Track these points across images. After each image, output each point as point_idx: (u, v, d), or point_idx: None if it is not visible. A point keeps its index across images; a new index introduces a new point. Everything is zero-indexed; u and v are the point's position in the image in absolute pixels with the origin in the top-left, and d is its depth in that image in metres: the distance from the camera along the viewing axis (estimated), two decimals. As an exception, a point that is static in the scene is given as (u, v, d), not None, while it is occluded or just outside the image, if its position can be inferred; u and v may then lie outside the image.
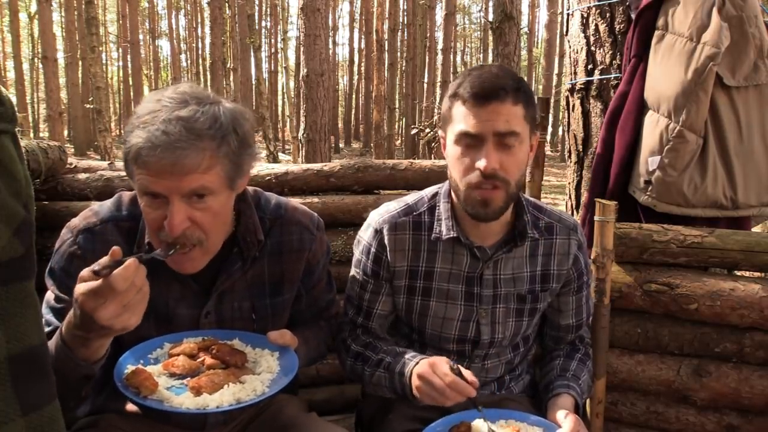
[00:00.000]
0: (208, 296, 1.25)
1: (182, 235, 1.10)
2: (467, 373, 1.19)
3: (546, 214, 1.44)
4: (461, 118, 1.26)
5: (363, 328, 1.46)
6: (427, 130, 13.46)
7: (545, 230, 1.42)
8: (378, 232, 1.39)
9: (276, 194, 1.41)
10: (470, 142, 1.25)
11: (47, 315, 1.21)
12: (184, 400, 1.05)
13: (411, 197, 1.45)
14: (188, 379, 1.11)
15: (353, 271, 1.47)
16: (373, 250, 1.40)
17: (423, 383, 1.20)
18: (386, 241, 1.38)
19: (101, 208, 1.25)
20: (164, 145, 1.03)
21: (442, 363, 1.20)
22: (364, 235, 1.43)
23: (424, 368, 1.21)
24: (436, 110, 16.22)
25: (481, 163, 1.23)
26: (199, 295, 1.25)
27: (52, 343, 1.04)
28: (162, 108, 1.07)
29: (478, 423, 1.22)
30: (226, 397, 1.06)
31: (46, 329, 1.16)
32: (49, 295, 1.22)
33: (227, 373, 1.13)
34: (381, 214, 1.42)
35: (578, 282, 1.48)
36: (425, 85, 21.22)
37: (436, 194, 1.43)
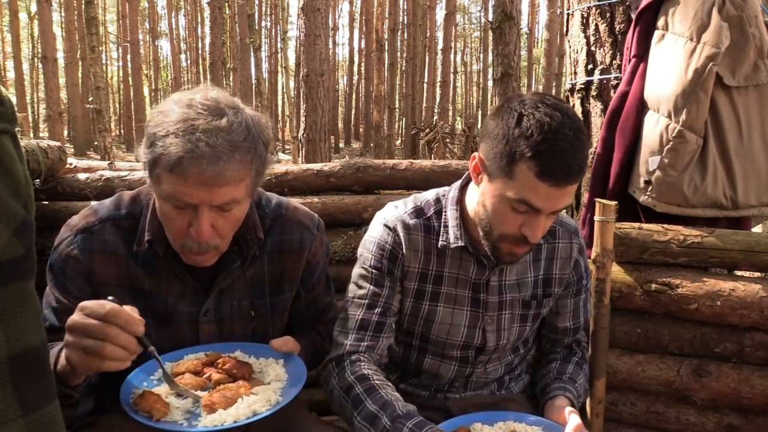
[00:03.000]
0: (208, 294, 1.26)
1: (204, 243, 1.12)
2: None
3: None
4: (528, 188, 1.14)
5: (371, 340, 1.31)
6: (427, 130, 13.46)
7: (548, 234, 1.41)
8: (392, 230, 1.34)
9: (276, 194, 1.41)
10: (527, 209, 1.18)
11: (45, 310, 1.22)
12: (200, 418, 1.04)
13: (416, 200, 1.40)
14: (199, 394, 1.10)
15: (358, 281, 1.36)
16: (388, 247, 1.33)
17: None
18: (402, 239, 1.34)
19: (101, 206, 1.25)
20: (209, 158, 1.03)
21: None
22: (375, 234, 1.36)
23: None
24: (436, 110, 16.22)
25: (529, 233, 1.20)
26: (198, 292, 1.26)
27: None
28: (198, 116, 1.06)
29: (477, 426, 1.22)
30: (242, 410, 1.05)
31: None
32: (48, 292, 1.24)
33: (238, 386, 1.12)
34: (392, 212, 1.37)
35: (578, 285, 1.47)
36: (425, 85, 21.23)
37: (440, 199, 1.39)
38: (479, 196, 1.26)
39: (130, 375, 1.14)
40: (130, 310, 1.02)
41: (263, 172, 1.18)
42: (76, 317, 0.99)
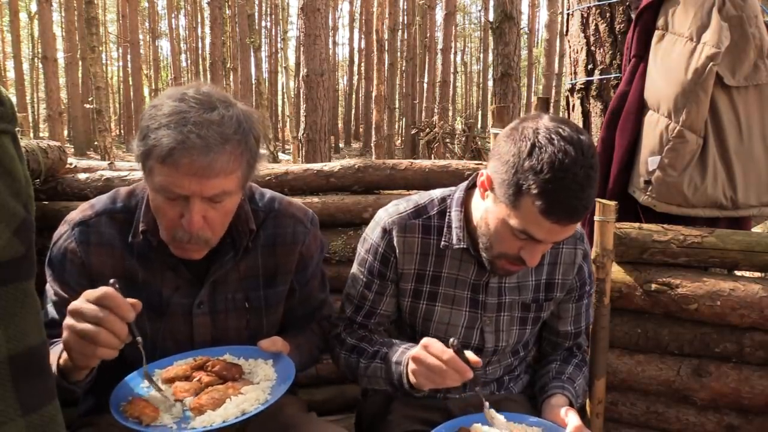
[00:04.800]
0: (201, 286, 1.27)
1: (195, 234, 1.14)
2: (469, 353, 1.16)
3: None
4: (531, 221, 1.13)
5: (360, 325, 1.44)
6: (427, 130, 13.47)
7: None
8: (387, 232, 1.35)
9: (270, 190, 1.42)
10: (526, 238, 1.17)
11: (48, 306, 1.25)
12: (189, 421, 1.05)
13: (420, 198, 1.40)
14: (188, 399, 1.11)
15: (356, 270, 1.43)
16: (381, 250, 1.36)
17: (418, 365, 1.16)
18: (395, 243, 1.35)
19: (97, 201, 1.28)
20: (199, 149, 1.05)
21: (437, 342, 1.15)
22: (372, 234, 1.39)
23: (418, 350, 1.17)
24: (436, 110, 16.21)
25: (527, 258, 1.20)
26: (192, 284, 1.27)
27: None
28: (189, 109, 1.08)
29: (477, 427, 1.22)
30: (230, 410, 1.06)
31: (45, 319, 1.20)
32: (48, 287, 1.26)
33: (226, 387, 1.12)
34: (390, 213, 1.37)
35: (580, 291, 1.46)
36: (425, 85, 21.23)
37: (445, 199, 1.38)
38: (483, 212, 1.26)
39: (117, 387, 1.14)
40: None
41: (255, 166, 1.19)
42: (76, 301, 1.02)
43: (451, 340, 1.15)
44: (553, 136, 1.10)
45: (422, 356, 1.15)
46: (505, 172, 1.14)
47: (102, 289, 1.01)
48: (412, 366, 1.18)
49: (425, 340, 1.18)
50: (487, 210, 1.23)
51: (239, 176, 1.14)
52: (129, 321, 1.02)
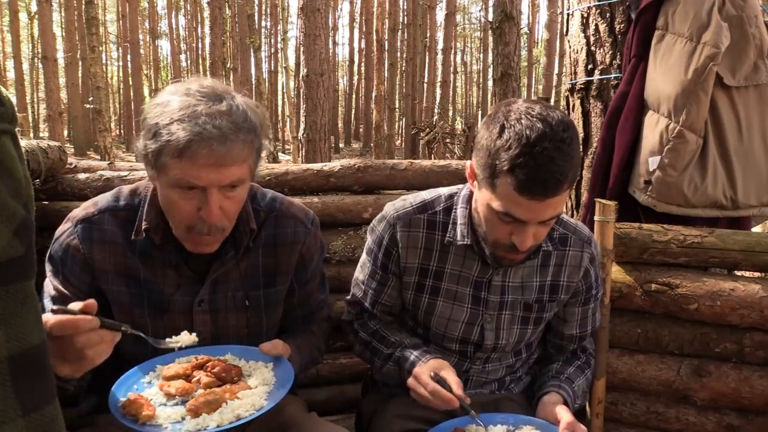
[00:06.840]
0: (202, 284, 1.28)
1: (214, 225, 1.15)
2: (453, 383, 1.20)
3: (562, 225, 1.41)
4: (510, 201, 1.14)
5: (366, 311, 1.49)
6: (427, 129, 13.46)
7: (559, 242, 1.40)
8: (391, 226, 1.38)
9: (272, 191, 1.43)
10: (511, 220, 1.18)
11: (44, 299, 1.25)
12: (183, 423, 1.05)
13: (428, 194, 1.42)
14: (184, 396, 1.11)
15: (364, 257, 1.48)
16: (384, 242, 1.40)
17: (412, 391, 1.26)
18: (398, 237, 1.37)
19: (101, 199, 1.29)
20: (217, 139, 1.08)
21: (425, 374, 1.24)
22: (378, 225, 1.43)
23: (410, 380, 1.26)
24: (436, 110, 16.21)
25: (518, 242, 1.20)
26: (193, 282, 1.28)
27: None
28: (198, 102, 1.10)
29: (472, 428, 1.23)
30: (225, 415, 1.06)
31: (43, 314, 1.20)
32: (47, 282, 1.27)
33: (223, 390, 1.13)
34: (396, 208, 1.40)
35: (586, 295, 1.46)
36: (425, 85, 21.21)
37: (453, 195, 1.40)
38: (474, 202, 1.29)
39: (119, 380, 1.15)
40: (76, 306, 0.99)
41: (261, 154, 1.22)
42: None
43: (432, 373, 1.23)
44: (523, 115, 1.13)
45: (413, 385, 1.24)
46: (482, 157, 1.17)
47: (49, 322, 0.93)
48: (410, 389, 1.26)
49: (415, 370, 1.26)
50: (476, 199, 1.27)
51: (250, 164, 1.18)
52: (94, 329, 0.97)
